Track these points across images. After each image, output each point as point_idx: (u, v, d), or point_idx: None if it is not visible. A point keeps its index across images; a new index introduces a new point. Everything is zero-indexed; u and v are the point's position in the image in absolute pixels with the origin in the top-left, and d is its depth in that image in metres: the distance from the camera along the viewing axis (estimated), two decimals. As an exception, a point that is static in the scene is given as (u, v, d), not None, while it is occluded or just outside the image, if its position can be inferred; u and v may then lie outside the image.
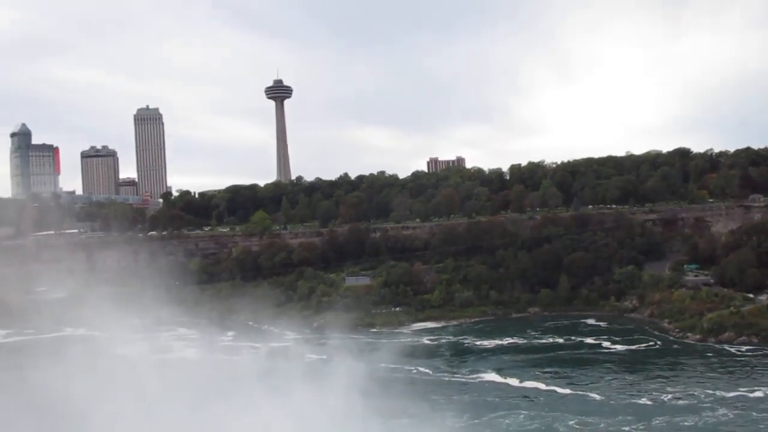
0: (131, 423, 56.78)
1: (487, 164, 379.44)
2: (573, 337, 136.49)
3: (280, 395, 66.76)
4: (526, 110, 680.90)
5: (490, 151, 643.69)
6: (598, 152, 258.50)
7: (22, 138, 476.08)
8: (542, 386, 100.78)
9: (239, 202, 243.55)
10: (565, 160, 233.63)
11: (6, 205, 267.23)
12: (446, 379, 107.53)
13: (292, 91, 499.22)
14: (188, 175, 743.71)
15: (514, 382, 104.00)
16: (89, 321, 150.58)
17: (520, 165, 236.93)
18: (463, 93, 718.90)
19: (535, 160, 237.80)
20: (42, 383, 73.29)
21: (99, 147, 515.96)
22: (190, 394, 66.91)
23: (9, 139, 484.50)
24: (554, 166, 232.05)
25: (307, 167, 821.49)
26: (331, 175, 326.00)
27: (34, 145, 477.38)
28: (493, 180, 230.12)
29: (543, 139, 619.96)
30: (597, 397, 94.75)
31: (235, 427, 47.95)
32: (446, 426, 58.78)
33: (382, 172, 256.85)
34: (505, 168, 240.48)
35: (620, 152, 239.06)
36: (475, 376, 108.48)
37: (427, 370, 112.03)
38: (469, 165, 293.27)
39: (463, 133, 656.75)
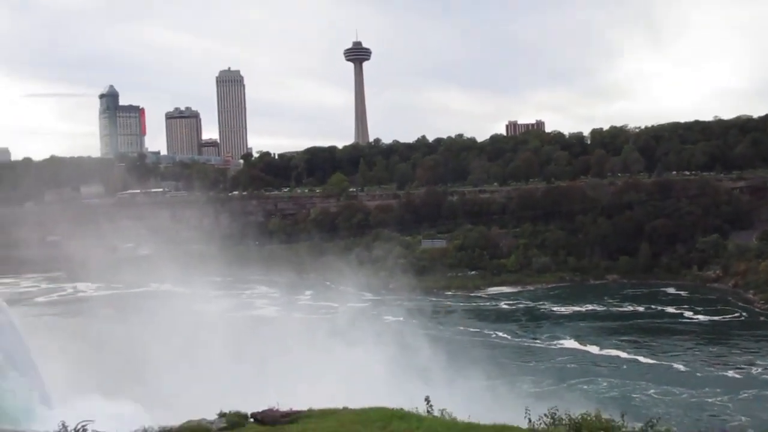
0: (216, 373, 58.89)
1: (567, 128, 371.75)
2: (653, 306, 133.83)
3: (361, 354, 68.32)
4: (611, 74, 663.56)
5: (571, 116, 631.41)
6: (684, 117, 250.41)
7: (110, 99, 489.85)
8: (623, 354, 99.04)
9: (317, 163, 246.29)
10: (649, 125, 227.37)
11: (95, 164, 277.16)
12: (525, 344, 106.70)
13: (371, 53, 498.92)
14: (268, 137, 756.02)
15: (594, 349, 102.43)
16: (173, 277, 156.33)
17: (601, 129, 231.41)
18: (546, 56, 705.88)
19: (618, 124, 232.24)
20: (129, 334, 77.03)
21: (182, 108, 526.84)
22: (275, 349, 69.13)
23: (98, 101, 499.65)
24: (637, 130, 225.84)
25: (385, 130, 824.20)
26: (408, 137, 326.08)
27: (121, 106, 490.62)
28: (574, 144, 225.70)
29: (627, 103, 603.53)
30: (680, 367, 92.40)
31: (317, 383, 49.42)
32: (525, 390, 59.16)
33: (460, 135, 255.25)
34: (586, 132, 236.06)
35: (708, 117, 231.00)
36: (554, 342, 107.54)
37: (505, 335, 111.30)
38: (549, 129, 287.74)
39: (544, 97, 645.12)
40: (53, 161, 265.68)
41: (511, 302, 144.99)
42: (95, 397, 39.90)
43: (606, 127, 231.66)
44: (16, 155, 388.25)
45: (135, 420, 21.39)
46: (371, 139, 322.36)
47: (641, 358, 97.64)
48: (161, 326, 77.82)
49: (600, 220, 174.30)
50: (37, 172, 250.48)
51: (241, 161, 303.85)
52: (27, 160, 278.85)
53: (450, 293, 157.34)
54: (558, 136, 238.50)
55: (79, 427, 14.28)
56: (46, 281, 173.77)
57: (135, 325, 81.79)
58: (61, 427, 14.27)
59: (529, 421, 17.51)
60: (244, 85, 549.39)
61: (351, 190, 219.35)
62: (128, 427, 16.62)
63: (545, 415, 17.90)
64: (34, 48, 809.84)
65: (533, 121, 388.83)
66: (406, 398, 18.92)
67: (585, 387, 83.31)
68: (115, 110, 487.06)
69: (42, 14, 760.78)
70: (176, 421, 16.97)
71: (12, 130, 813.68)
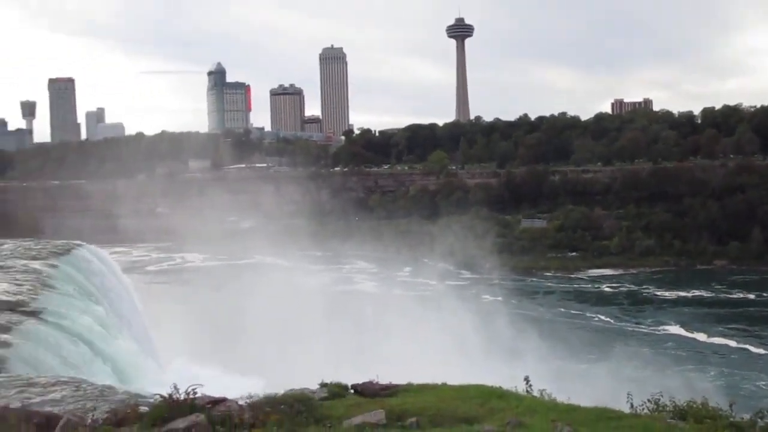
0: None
1: (676, 107, 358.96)
2: (765, 294, 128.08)
3: (459, 332, 68.47)
4: (724, 50, 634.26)
5: (680, 94, 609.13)
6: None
7: (217, 76, 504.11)
8: (732, 343, 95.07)
9: (418, 140, 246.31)
10: (766, 104, 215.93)
11: (203, 139, 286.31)
12: (628, 328, 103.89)
13: (473, 29, 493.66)
14: (369, 114, 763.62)
15: (700, 336, 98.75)
16: (275, 251, 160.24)
17: (713, 108, 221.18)
18: (656, 31, 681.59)
19: (731, 103, 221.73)
20: (234, 303, 79.67)
21: (287, 85, 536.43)
22: (374, 324, 70.13)
23: (206, 78, 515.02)
24: (753, 109, 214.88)
25: (486, 107, 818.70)
26: (510, 115, 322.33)
27: (228, 83, 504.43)
28: (683, 123, 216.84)
29: (741, 81, 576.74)
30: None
31: (415, 358, 49.88)
32: (626, 375, 57.99)
33: (564, 114, 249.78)
34: (696, 111, 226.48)
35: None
36: (658, 327, 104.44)
37: (607, 318, 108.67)
38: (656, 108, 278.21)
39: (652, 74, 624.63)
40: (163, 136, 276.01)
41: (613, 285, 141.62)
42: (203, 363, 41.61)
43: (718, 106, 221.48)
44: (130, 130, 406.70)
45: (239, 386, 22.20)
46: (472, 117, 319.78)
47: (751, 348, 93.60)
48: (264, 297, 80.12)
49: (709, 203, 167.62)
50: (149, 146, 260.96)
51: (343, 138, 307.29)
52: (140, 135, 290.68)
53: (549, 274, 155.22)
54: (666, 115, 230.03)
55: (189, 390, 14.92)
56: (156, 251, 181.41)
57: (239, 296, 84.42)
58: (172, 389, 14.94)
59: (631, 405, 17.23)
60: (346, 62, 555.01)
61: (451, 167, 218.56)
62: (233, 393, 17.27)
63: (648, 400, 17.58)
64: (148, 27, 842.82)
65: (640, 100, 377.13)
66: (504, 378, 18.93)
67: (690, 375, 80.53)
68: (222, 87, 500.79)
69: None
70: (279, 389, 17.50)
71: (126, 106, 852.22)
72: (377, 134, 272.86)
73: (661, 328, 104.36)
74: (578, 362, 68.04)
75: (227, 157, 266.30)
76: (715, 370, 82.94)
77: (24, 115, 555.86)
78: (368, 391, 18.00)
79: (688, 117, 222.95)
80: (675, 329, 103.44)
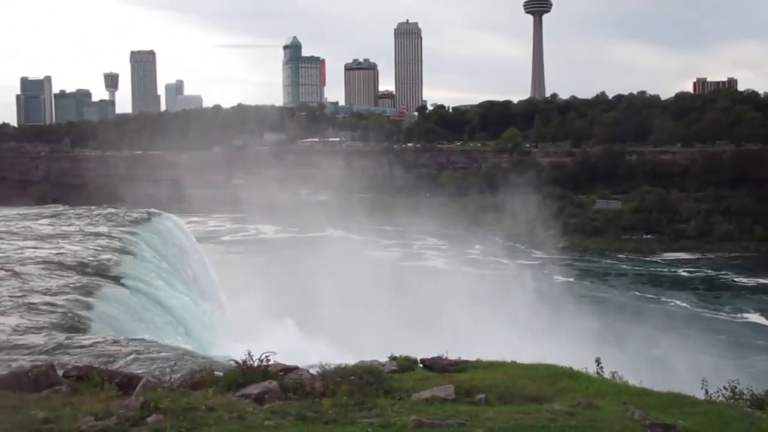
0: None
1: (763, 87, 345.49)
2: None
3: (530, 311, 68.00)
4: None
5: (767, 73, 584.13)
6: None
7: (293, 50, 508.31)
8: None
9: (491, 117, 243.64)
10: None
11: (278, 112, 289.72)
12: (706, 315, 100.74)
13: (551, 4, 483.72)
14: (443, 90, 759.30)
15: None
16: (347, 224, 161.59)
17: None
18: (741, 8, 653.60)
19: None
20: (307, 275, 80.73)
21: (361, 60, 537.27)
22: (445, 300, 70.25)
23: (282, 52, 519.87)
24: None
25: (563, 85, 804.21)
26: (587, 93, 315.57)
27: (303, 57, 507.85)
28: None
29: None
30: None
31: (486, 336, 49.89)
32: (702, 362, 56.67)
33: (643, 92, 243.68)
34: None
35: None
36: (737, 315, 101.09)
37: (683, 304, 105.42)
38: (741, 88, 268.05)
39: (738, 53, 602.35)
40: (240, 109, 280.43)
41: (689, 269, 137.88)
42: (275, 331, 42.43)
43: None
44: (207, 102, 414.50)
45: (312, 355, 22.62)
46: (548, 95, 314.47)
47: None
48: (337, 270, 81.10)
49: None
50: (225, 118, 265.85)
51: (416, 113, 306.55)
52: (217, 107, 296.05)
53: (623, 256, 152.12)
54: (751, 95, 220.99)
55: (263, 357, 15.29)
56: (230, 221, 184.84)
57: (313, 267, 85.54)
58: (247, 356, 15.32)
59: (706, 392, 16.87)
60: (421, 38, 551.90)
61: (524, 145, 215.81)
62: (306, 362, 17.61)
63: (724, 387, 17.20)
64: (226, 1, 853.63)
65: (724, 79, 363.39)
66: (575, 359, 18.74)
67: (761, 364, 78.28)
68: (297, 61, 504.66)
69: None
70: (351, 360, 17.77)
71: (204, 79, 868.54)
72: (450, 110, 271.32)
73: (740, 315, 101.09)
74: (652, 348, 66.57)
75: (301, 130, 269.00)
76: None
77: (107, 87, 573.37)
78: (437, 366, 18.08)
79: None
80: (755, 317, 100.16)
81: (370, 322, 59.11)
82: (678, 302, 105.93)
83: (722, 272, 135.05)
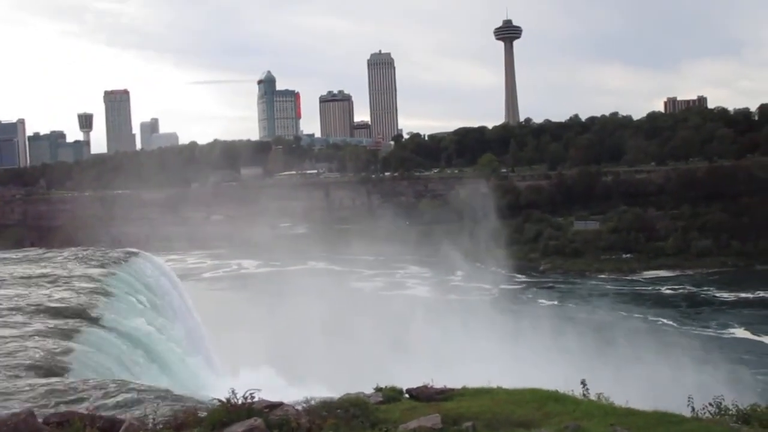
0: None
1: (732, 104, 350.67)
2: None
3: (518, 337, 67.84)
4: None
5: (736, 91, 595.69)
6: None
7: (267, 85, 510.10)
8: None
9: (467, 144, 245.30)
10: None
11: (254, 147, 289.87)
12: (691, 332, 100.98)
13: (521, 31, 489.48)
14: (418, 118, 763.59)
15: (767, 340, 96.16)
16: (328, 256, 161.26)
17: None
18: (709, 27, 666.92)
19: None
20: (291, 310, 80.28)
21: (335, 92, 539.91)
22: (431, 329, 69.97)
23: (256, 86, 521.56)
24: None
25: (536, 109, 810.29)
26: (560, 116, 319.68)
27: (277, 91, 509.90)
28: (739, 121, 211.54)
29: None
30: None
31: (473, 363, 49.71)
32: (690, 380, 56.62)
33: (615, 113, 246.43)
34: (753, 108, 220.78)
35: None
36: (722, 330, 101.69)
37: (668, 321, 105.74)
38: (711, 105, 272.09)
39: (706, 71, 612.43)
40: (216, 144, 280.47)
41: (672, 287, 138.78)
42: (259, 368, 42.05)
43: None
44: (183, 139, 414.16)
45: (296, 391, 22.42)
46: (522, 119, 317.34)
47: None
48: (321, 302, 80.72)
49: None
50: (202, 154, 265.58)
51: (392, 142, 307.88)
52: (192, 144, 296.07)
53: (604, 276, 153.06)
54: (722, 113, 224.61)
55: (247, 394, 15.12)
56: (210, 258, 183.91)
57: (296, 302, 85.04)
58: (231, 394, 15.16)
59: (693, 409, 16.89)
60: (394, 67, 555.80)
61: (501, 170, 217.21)
62: (291, 398, 17.46)
63: (710, 404, 17.23)
64: (199, 38, 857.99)
65: (694, 97, 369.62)
66: (562, 382, 18.71)
67: (759, 379, 78.44)
68: (272, 95, 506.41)
69: (205, 4, 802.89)
70: (335, 394, 17.64)
71: (179, 116, 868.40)
72: (426, 138, 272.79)
73: (727, 331, 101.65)
74: (638, 366, 66.47)
75: (278, 164, 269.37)
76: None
77: (81, 127, 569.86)
78: (423, 396, 17.98)
79: (744, 114, 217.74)
80: (740, 332, 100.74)
81: (355, 354, 58.79)
82: (665, 320, 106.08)
83: (703, 288, 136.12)
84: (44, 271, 47.45)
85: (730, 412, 16.65)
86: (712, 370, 76.90)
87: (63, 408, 19.16)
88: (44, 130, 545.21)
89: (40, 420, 14.69)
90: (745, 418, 16.05)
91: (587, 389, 17.92)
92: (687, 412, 16.59)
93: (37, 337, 30.26)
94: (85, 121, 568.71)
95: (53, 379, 24.43)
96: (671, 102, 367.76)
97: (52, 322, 33.09)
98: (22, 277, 44.85)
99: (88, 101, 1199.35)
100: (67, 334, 31.16)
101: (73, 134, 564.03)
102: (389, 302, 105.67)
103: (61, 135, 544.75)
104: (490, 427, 15.13)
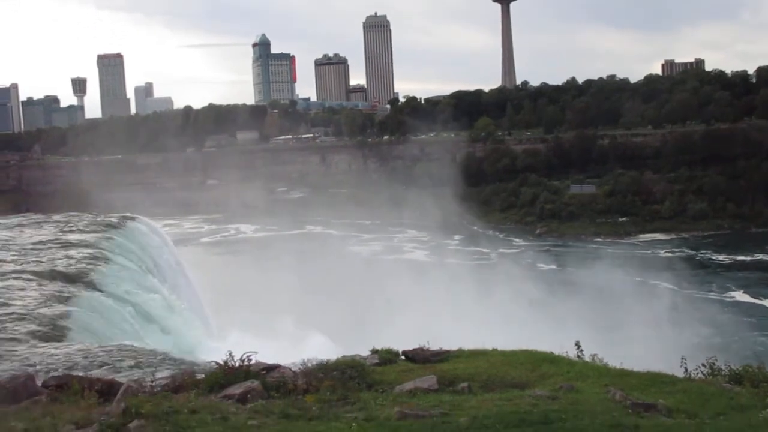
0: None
1: (730, 67, 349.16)
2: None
3: (519, 301, 67.93)
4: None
5: (734, 53, 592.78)
6: None
7: (262, 48, 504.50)
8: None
9: (464, 107, 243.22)
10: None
11: (249, 111, 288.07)
12: (698, 296, 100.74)
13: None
14: (414, 82, 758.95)
15: (763, 302, 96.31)
16: (324, 220, 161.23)
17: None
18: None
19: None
20: (291, 273, 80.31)
21: (331, 55, 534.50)
22: (430, 292, 70.08)
23: (251, 50, 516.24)
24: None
25: (533, 72, 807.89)
26: (557, 79, 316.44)
27: (272, 54, 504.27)
28: (737, 84, 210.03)
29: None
30: None
31: (471, 326, 49.90)
32: (687, 342, 57.00)
33: (612, 76, 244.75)
34: (751, 71, 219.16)
35: None
36: (725, 294, 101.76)
37: (672, 286, 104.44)
38: (709, 68, 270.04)
39: (704, 34, 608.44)
40: (211, 109, 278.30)
41: (669, 250, 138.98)
42: (256, 332, 42.28)
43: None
44: (178, 104, 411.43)
45: (293, 354, 22.59)
46: (518, 82, 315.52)
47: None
48: (320, 266, 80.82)
49: (764, 165, 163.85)
50: (197, 119, 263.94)
51: (388, 106, 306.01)
52: (188, 108, 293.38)
53: (600, 239, 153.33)
54: (719, 75, 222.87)
55: (244, 357, 15.24)
56: (207, 222, 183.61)
57: (296, 265, 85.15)
58: (228, 356, 15.27)
59: (686, 370, 17.08)
60: (390, 30, 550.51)
61: (497, 134, 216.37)
62: (287, 360, 17.59)
63: (703, 365, 17.42)
64: (192, 0, 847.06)
65: (692, 60, 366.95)
66: (558, 344, 18.85)
67: (760, 341, 78.95)
68: (267, 58, 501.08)
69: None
70: (330, 355, 17.78)
71: (173, 80, 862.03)
72: (422, 102, 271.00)
73: (727, 294, 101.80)
74: (635, 328, 66.55)
75: (274, 128, 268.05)
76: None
77: (75, 92, 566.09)
78: (419, 357, 18.12)
79: (742, 77, 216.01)
80: (739, 295, 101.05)
81: (353, 316, 59.09)
82: (666, 284, 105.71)
83: (701, 251, 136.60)
84: (41, 236, 47.49)
85: (723, 373, 16.84)
86: (713, 333, 77.71)
87: (62, 371, 19.32)
88: (38, 95, 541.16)
89: (39, 383, 14.83)
90: (737, 378, 16.24)
91: (581, 351, 18.09)
92: (681, 373, 16.79)
93: (36, 302, 30.39)
94: (79, 86, 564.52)
95: (52, 344, 24.60)
96: (668, 65, 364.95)
97: (50, 287, 33.23)
98: (18, 243, 44.91)
99: (82, 66, 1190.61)
100: (66, 298, 31.32)
101: (68, 99, 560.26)
102: (387, 266, 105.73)
103: (55, 100, 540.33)
104: (486, 388, 15.29)
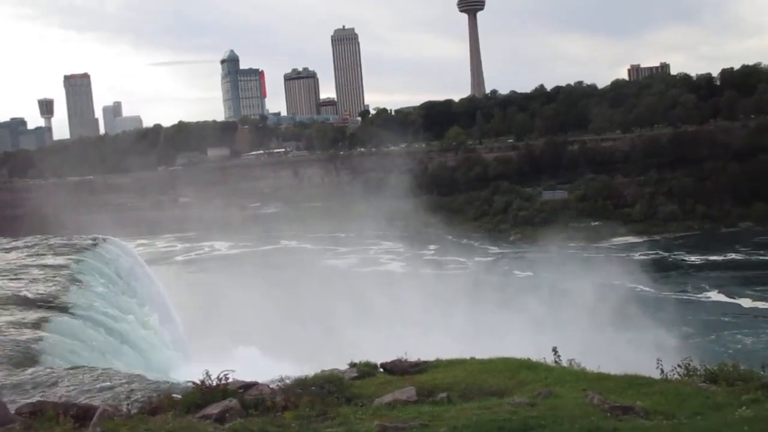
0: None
1: (694, 70, 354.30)
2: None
3: (513, 310, 67.88)
4: (743, 7, 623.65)
5: (698, 56, 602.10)
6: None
7: (231, 64, 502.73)
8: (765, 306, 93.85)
9: (434, 117, 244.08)
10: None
11: (221, 127, 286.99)
12: (674, 297, 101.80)
13: (484, 2, 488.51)
14: (384, 93, 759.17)
15: (745, 302, 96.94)
16: (299, 234, 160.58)
17: (732, 69, 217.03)
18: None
19: (750, 63, 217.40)
20: (270, 289, 79.84)
21: (300, 69, 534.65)
22: (407, 303, 69.93)
23: (220, 66, 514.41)
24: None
25: (502, 80, 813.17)
26: (526, 87, 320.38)
27: (241, 70, 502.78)
28: (702, 86, 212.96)
29: (760, 40, 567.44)
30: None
31: (453, 338, 49.89)
32: (663, 344, 57.27)
33: (580, 83, 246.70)
34: (715, 73, 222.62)
35: None
36: (701, 294, 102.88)
37: (649, 288, 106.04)
38: (674, 71, 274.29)
39: (668, 37, 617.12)
40: (181, 126, 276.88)
41: (642, 252, 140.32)
42: (236, 348, 42.03)
43: (737, 67, 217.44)
44: (147, 122, 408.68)
45: (271, 370, 22.45)
46: (488, 91, 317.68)
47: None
48: (296, 282, 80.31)
49: (731, 166, 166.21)
50: (167, 137, 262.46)
51: (359, 119, 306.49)
52: (157, 127, 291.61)
53: (573, 244, 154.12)
54: (684, 79, 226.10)
55: (221, 375, 15.10)
56: (180, 241, 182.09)
57: (271, 281, 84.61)
58: (205, 375, 15.13)
59: (662, 371, 17.22)
60: (358, 43, 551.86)
61: (468, 143, 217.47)
62: (265, 377, 17.47)
63: (678, 365, 17.58)
64: (158, 18, 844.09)
65: (657, 64, 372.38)
66: (537, 350, 18.93)
67: (730, 339, 79.75)
68: (236, 74, 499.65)
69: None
70: (310, 371, 17.68)
71: (142, 98, 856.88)
72: (393, 113, 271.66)
73: (703, 294, 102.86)
74: (611, 332, 66.80)
75: (245, 144, 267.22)
76: (753, 335, 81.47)
77: (42, 113, 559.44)
78: (398, 369, 18.11)
79: (706, 79, 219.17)
80: (714, 294, 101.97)
81: (330, 331, 58.86)
82: (643, 287, 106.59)
83: (673, 252, 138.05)
84: (11, 260, 46.83)
85: (699, 373, 17.00)
86: (689, 333, 78.42)
87: (36, 397, 19.01)
88: (4, 118, 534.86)
89: (12, 410, 14.58)
90: (713, 377, 16.40)
91: (558, 356, 18.18)
92: (657, 375, 16.93)
93: (8, 327, 29.92)
94: (46, 107, 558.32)
95: (25, 369, 24.21)
96: (635, 70, 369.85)
97: (22, 312, 32.74)
98: (-13, 268, 44.24)
99: (48, 87, 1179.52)
100: (37, 323, 30.87)
101: (35, 121, 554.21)
102: (364, 279, 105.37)
103: (21, 122, 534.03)
104: (464, 397, 15.30)
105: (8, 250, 51.83)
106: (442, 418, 13.15)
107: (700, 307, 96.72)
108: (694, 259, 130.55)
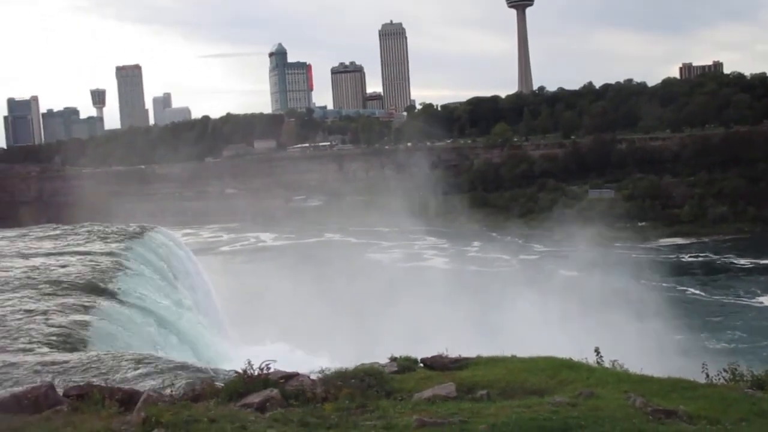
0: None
1: (749, 69, 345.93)
2: None
3: (542, 306, 67.31)
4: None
5: (753, 54, 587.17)
6: None
7: (279, 57, 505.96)
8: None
9: (480, 113, 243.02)
10: None
11: (267, 120, 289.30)
12: (727, 301, 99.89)
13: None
14: (431, 88, 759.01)
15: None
16: (343, 228, 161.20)
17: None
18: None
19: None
20: (314, 282, 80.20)
21: (347, 63, 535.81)
22: (453, 300, 69.60)
23: (268, 59, 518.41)
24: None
25: (550, 77, 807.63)
26: (574, 84, 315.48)
27: (289, 63, 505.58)
28: (756, 86, 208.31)
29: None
30: None
31: (494, 334, 49.65)
32: (710, 347, 56.25)
33: (630, 80, 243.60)
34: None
35: None
36: (753, 299, 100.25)
37: (700, 292, 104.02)
38: (727, 70, 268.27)
39: (723, 35, 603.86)
40: (229, 118, 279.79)
41: (690, 254, 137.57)
42: (277, 340, 42.37)
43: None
44: (195, 113, 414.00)
45: (313, 362, 22.61)
46: (535, 88, 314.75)
47: None
48: (340, 275, 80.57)
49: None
50: (215, 129, 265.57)
51: (405, 113, 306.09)
52: (205, 118, 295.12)
53: (619, 245, 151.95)
54: (738, 78, 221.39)
55: (263, 365, 15.24)
56: (226, 231, 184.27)
57: (318, 274, 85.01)
58: (247, 365, 15.28)
59: (707, 376, 16.90)
60: (406, 38, 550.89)
61: (514, 139, 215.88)
62: (307, 368, 17.58)
63: (724, 370, 17.23)
64: (210, 11, 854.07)
65: (710, 63, 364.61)
66: (578, 350, 18.71)
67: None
68: (284, 67, 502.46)
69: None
70: (351, 364, 17.74)
71: (191, 90, 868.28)
72: (439, 109, 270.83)
73: (755, 299, 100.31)
74: (658, 334, 65.65)
75: (291, 137, 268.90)
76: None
77: (94, 103, 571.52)
78: (438, 365, 18.05)
79: (761, 78, 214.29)
80: (765, 299, 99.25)
81: (378, 325, 58.89)
82: (693, 290, 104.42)
83: (722, 256, 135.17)
84: (62, 246, 47.87)
85: (745, 378, 16.65)
86: (739, 338, 76.62)
87: (82, 381, 19.43)
88: (58, 107, 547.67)
89: (60, 392, 14.91)
90: (760, 384, 16.06)
91: (601, 357, 17.95)
92: (702, 378, 16.63)
93: (56, 312, 30.61)
94: (98, 97, 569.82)
95: (72, 353, 24.76)
96: (686, 68, 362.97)
97: (71, 297, 33.45)
98: (40, 253, 45.30)
99: (101, 77, 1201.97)
100: (85, 308, 31.51)
101: (87, 110, 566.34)
102: (408, 274, 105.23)
103: (74, 111, 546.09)
104: (504, 395, 15.21)
105: (59, 236, 53.02)
106: (481, 415, 13.10)
107: (750, 312, 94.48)
108: (744, 262, 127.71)
